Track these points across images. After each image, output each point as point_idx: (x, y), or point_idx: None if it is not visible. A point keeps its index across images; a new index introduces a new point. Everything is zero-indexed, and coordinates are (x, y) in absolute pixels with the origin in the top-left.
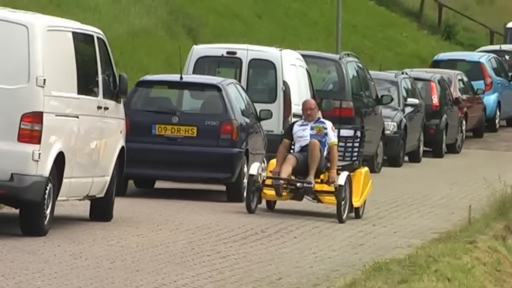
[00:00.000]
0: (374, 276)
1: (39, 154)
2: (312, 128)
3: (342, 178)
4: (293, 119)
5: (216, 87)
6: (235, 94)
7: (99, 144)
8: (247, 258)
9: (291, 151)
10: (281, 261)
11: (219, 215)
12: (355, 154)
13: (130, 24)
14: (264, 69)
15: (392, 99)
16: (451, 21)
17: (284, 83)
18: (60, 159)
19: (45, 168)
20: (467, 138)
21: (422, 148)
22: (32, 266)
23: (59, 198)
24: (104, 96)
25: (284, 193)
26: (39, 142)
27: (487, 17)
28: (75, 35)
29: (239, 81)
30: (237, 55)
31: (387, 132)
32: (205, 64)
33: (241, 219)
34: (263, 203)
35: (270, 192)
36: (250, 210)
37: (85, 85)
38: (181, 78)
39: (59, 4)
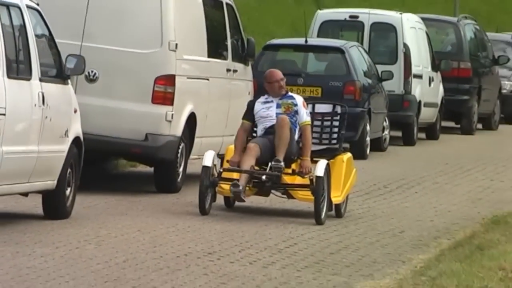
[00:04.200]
0: (493, 229)
1: (172, 115)
2: (278, 106)
3: (320, 168)
4: (412, 78)
5: (339, 50)
6: (358, 56)
7: (228, 104)
8: (370, 212)
9: (254, 135)
10: (403, 215)
11: None
12: (334, 135)
13: None
14: (385, 32)
15: (508, 59)
16: None
17: (404, 45)
18: (191, 120)
19: (178, 128)
20: None
21: None
22: (166, 221)
23: (191, 157)
24: (233, 59)
25: (246, 189)
26: (172, 103)
27: None
28: (205, 1)
29: (361, 43)
30: (359, 19)
31: (503, 91)
32: (328, 28)
33: (364, 175)
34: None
35: (227, 187)
36: (203, 211)
37: (215, 49)
38: (306, 41)
39: None
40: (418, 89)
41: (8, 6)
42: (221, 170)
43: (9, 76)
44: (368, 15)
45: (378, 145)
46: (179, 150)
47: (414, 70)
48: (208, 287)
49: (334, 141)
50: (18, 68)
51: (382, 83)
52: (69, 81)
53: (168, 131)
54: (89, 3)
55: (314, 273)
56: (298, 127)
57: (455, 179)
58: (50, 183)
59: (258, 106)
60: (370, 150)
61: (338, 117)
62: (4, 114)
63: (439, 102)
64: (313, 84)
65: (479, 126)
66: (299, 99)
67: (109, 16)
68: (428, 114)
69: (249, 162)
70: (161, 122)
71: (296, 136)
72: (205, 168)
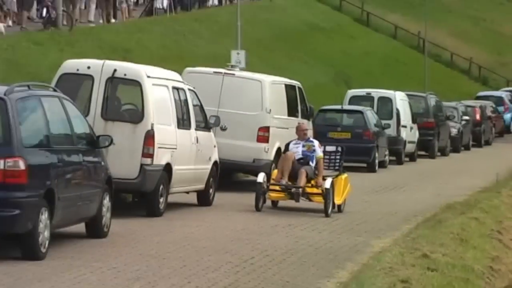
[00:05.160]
0: (446, 211)
1: (268, 148)
2: (304, 146)
3: (327, 183)
4: (401, 128)
5: (360, 112)
6: (370, 115)
7: None
8: (377, 201)
9: None
10: (396, 203)
11: None
12: (337, 164)
13: (314, 80)
14: (386, 102)
15: (454, 117)
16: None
17: (397, 109)
18: (279, 150)
19: (271, 155)
20: (496, 137)
21: (470, 142)
22: (247, 214)
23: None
24: (302, 117)
25: (283, 195)
26: (268, 142)
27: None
28: (286, 86)
29: (373, 108)
30: (371, 95)
31: (452, 134)
32: (354, 100)
33: (374, 182)
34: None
35: (273, 194)
36: (257, 209)
37: (291, 111)
38: (342, 107)
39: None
40: (404, 133)
41: (178, 88)
42: (268, 185)
43: (178, 127)
44: (377, 93)
45: (382, 164)
46: (272, 167)
47: (402, 122)
48: (285, 244)
49: (337, 167)
50: (184, 123)
51: (384, 130)
52: (211, 130)
53: (266, 157)
54: (222, 87)
55: (348, 236)
56: (315, 159)
57: (426, 183)
58: (201, 186)
59: (291, 146)
60: (378, 167)
61: (339, 154)
62: (176, 148)
63: (416, 140)
64: (345, 131)
65: (438, 154)
66: (316, 143)
67: (233, 93)
68: (410, 147)
69: (287, 167)
70: (262, 152)
71: (313, 164)
72: (258, 183)
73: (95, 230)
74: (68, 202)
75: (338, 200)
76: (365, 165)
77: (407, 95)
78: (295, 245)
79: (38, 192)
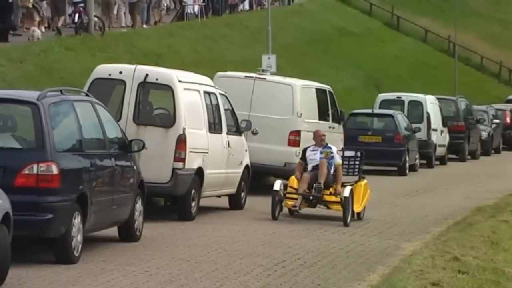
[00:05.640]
0: (476, 214)
1: (299, 152)
2: (321, 153)
3: (346, 191)
4: (431, 131)
5: (391, 116)
6: (401, 119)
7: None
8: (409, 205)
9: (306, 169)
10: (427, 207)
11: None
12: (357, 170)
13: (344, 84)
14: (416, 105)
15: (484, 120)
16: None
17: (427, 113)
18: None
19: None
20: None
21: (501, 145)
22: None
23: None
24: (332, 121)
25: (302, 202)
26: (299, 146)
27: None
28: (317, 90)
29: (403, 112)
30: (401, 99)
31: (482, 137)
32: (385, 103)
33: (404, 185)
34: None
35: (290, 202)
36: (274, 217)
37: (322, 115)
38: (372, 111)
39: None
40: (434, 137)
41: (209, 93)
42: (285, 192)
43: (210, 131)
44: (407, 97)
45: (413, 168)
46: None
47: (432, 126)
48: (316, 247)
49: (356, 173)
50: (215, 127)
51: (415, 134)
52: (242, 134)
53: (297, 161)
54: (253, 91)
55: (379, 240)
56: (333, 166)
57: (456, 187)
58: (232, 190)
59: (308, 152)
60: (408, 171)
61: (358, 159)
62: (207, 152)
63: (446, 144)
64: (376, 135)
65: (469, 157)
66: (334, 149)
67: (264, 97)
68: (440, 151)
69: (303, 186)
70: (293, 156)
71: (332, 171)
72: (274, 191)
73: (128, 234)
74: (100, 206)
75: (357, 208)
76: (395, 168)
77: (437, 98)
78: (326, 248)
79: (71, 197)
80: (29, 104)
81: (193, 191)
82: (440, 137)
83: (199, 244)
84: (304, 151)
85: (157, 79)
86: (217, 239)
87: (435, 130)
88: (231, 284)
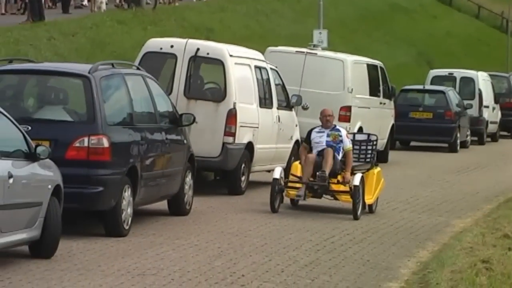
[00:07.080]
0: None
1: (349, 127)
2: (328, 135)
3: (357, 179)
4: (483, 108)
5: (442, 92)
6: (452, 95)
7: (380, 122)
8: (460, 181)
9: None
10: (478, 183)
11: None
12: (369, 155)
13: (396, 60)
14: (468, 82)
15: None
16: None
17: (479, 89)
18: (360, 130)
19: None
20: None
21: None
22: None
23: None
24: (383, 97)
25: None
26: (349, 121)
27: None
28: (368, 65)
29: (455, 88)
30: (453, 75)
31: None
32: (436, 80)
33: (456, 162)
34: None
35: (292, 192)
36: (273, 209)
37: (373, 91)
38: (423, 87)
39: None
40: (486, 113)
41: (260, 68)
42: (286, 181)
43: (260, 106)
44: (459, 73)
45: (464, 145)
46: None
47: (484, 103)
48: (366, 223)
49: (368, 159)
50: (265, 102)
51: (466, 110)
52: (293, 109)
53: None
54: (304, 66)
55: (429, 216)
56: (342, 150)
57: (507, 164)
58: (283, 165)
59: (313, 134)
60: (460, 147)
61: (371, 143)
62: (257, 127)
63: (498, 121)
64: (427, 111)
65: None
66: (343, 132)
67: (315, 72)
68: (492, 128)
69: (308, 170)
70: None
71: (340, 156)
72: (274, 179)
73: (177, 207)
74: (150, 179)
75: (369, 200)
76: (446, 145)
77: (490, 75)
78: (376, 224)
79: (121, 170)
80: (80, 77)
81: (242, 165)
82: (492, 114)
83: (248, 218)
84: (309, 132)
85: (208, 53)
86: (266, 214)
87: (486, 107)
88: (280, 259)
